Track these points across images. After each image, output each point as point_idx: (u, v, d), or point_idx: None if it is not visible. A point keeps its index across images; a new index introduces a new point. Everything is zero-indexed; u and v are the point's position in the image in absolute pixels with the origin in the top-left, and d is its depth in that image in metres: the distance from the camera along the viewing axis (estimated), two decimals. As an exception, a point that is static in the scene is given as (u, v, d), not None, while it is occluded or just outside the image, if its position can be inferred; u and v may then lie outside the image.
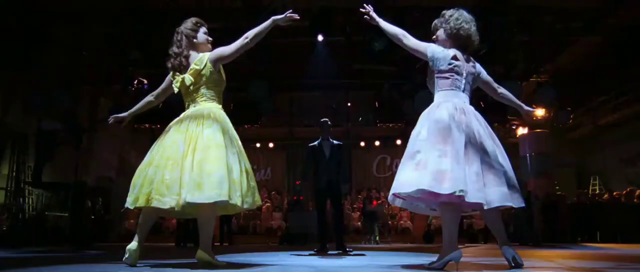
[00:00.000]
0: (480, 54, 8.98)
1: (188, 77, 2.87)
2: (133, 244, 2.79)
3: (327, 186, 5.66)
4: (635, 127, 11.85)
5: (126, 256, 2.77)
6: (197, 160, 2.66)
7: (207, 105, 2.90)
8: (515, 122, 12.77)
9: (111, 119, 3.25)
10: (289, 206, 12.69)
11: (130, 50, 8.94)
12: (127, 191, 2.89)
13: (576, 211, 10.79)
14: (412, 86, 9.93)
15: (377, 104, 12.44)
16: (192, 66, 2.90)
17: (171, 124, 2.93)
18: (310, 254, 5.03)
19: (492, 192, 2.47)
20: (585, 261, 3.89)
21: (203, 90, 2.94)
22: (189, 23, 3.04)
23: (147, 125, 13.73)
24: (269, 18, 3.11)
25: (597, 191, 12.90)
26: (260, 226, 13.30)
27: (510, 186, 2.54)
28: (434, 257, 2.82)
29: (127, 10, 8.98)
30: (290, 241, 10.15)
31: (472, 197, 2.41)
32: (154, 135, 15.52)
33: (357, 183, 15.01)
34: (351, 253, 5.20)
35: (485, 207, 2.47)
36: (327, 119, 5.92)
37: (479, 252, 5.64)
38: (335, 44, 9.77)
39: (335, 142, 5.82)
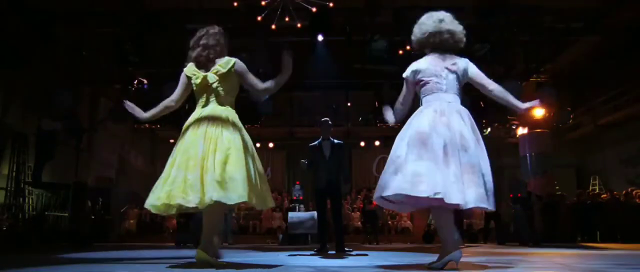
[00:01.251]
0: (480, 54, 9.00)
1: (212, 76, 2.92)
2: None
3: (327, 186, 5.65)
4: (635, 127, 11.85)
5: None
6: (218, 160, 2.71)
7: (222, 107, 2.93)
8: (515, 122, 12.77)
9: (128, 107, 3.19)
10: (289, 206, 12.69)
11: (130, 51, 8.93)
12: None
13: (576, 211, 10.78)
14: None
15: (377, 104, 12.43)
16: (217, 67, 2.95)
17: (188, 125, 2.94)
18: (310, 254, 5.03)
19: (470, 192, 2.48)
20: (585, 261, 3.89)
21: (220, 90, 2.95)
22: (222, 31, 3.10)
23: (147, 125, 13.74)
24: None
25: (597, 191, 12.89)
26: (260, 226, 13.31)
27: (487, 188, 2.55)
28: (434, 257, 2.84)
29: (127, 10, 8.99)
30: (291, 241, 10.15)
31: (451, 199, 2.43)
32: (154, 135, 15.57)
33: (357, 183, 15.02)
34: (351, 253, 5.20)
35: (463, 207, 2.47)
36: (327, 119, 5.91)
37: (479, 252, 5.64)
38: (335, 44, 9.78)
39: (335, 141, 5.81)
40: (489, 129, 12.72)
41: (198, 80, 2.94)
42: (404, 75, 2.87)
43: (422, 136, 2.56)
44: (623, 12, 9.06)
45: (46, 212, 8.50)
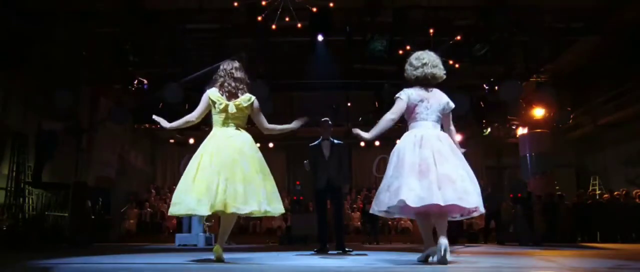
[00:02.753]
0: (480, 54, 9.00)
1: (233, 106, 3.45)
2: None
3: (327, 186, 5.65)
4: (635, 127, 11.85)
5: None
6: (260, 179, 3.33)
7: (244, 131, 3.52)
8: (515, 123, 12.77)
9: (157, 119, 3.67)
10: (289, 206, 12.69)
11: (130, 51, 8.93)
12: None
13: (576, 211, 10.78)
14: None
15: (377, 104, 12.42)
16: (239, 100, 3.48)
17: (218, 141, 3.38)
18: (310, 254, 5.03)
19: (447, 194, 2.95)
20: (585, 261, 3.89)
21: (239, 116, 3.50)
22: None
23: (147, 125, 13.73)
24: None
25: (597, 191, 12.89)
26: (260, 226, 13.30)
27: (465, 190, 3.00)
28: (433, 257, 3.11)
29: (127, 10, 8.99)
30: (291, 241, 10.16)
31: (431, 200, 2.93)
32: (154, 135, 15.57)
33: (357, 183, 15.02)
34: (351, 253, 5.20)
35: (443, 204, 2.94)
36: (327, 119, 5.90)
37: (479, 252, 5.64)
38: (335, 44, 9.77)
39: (335, 141, 5.81)
40: (489, 129, 12.71)
41: (221, 106, 3.45)
42: (398, 95, 3.34)
43: (401, 157, 3.15)
44: (623, 12, 9.05)
45: (46, 212, 8.50)
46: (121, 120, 10.73)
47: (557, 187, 12.09)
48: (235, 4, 7.33)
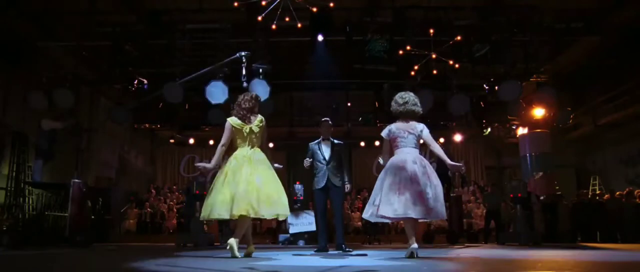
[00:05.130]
0: (480, 54, 9.00)
1: (256, 127, 4.22)
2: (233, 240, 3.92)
3: (326, 186, 5.65)
4: (635, 127, 11.85)
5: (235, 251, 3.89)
6: (272, 189, 4.05)
7: (258, 149, 4.23)
8: (515, 123, 12.76)
9: (199, 166, 4.33)
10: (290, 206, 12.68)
11: (130, 51, 8.93)
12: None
13: (576, 211, 10.77)
14: (412, 86, 9.93)
15: (377, 104, 12.42)
16: (257, 123, 4.23)
17: (238, 160, 4.11)
18: (310, 254, 5.03)
19: (417, 209, 3.88)
20: (585, 261, 3.89)
21: (258, 136, 4.25)
22: (257, 96, 4.40)
23: (147, 125, 13.73)
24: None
25: (597, 191, 12.89)
26: (260, 225, 13.29)
27: (430, 206, 3.89)
28: (434, 259, 3.39)
29: (127, 10, 8.99)
30: (290, 241, 10.15)
31: (407, 214, 3.89)
32: (153, 135, 15.56)
33: (357, 183, 15.00)
34: (351, 253, 5.20)
35: (415, 217, 3.94)
36: (327, 119, 5.90)
37: (478, 252, 5.64)
38: (335, 44, 9.77)
39: (335, 141, 5.81)
40: (489, 129, 12.71)
41: (246, 131, 4.19)
42: (382, 134, 4.28)
43: (386, 177, 4.08)
44: (623, 12, 9.06)
45: (46, 212, 8.48)
46: (121, 120, 10.72)
47: (557, 187, 12.08)
48: (236, 4, 7.32)
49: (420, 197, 3.86)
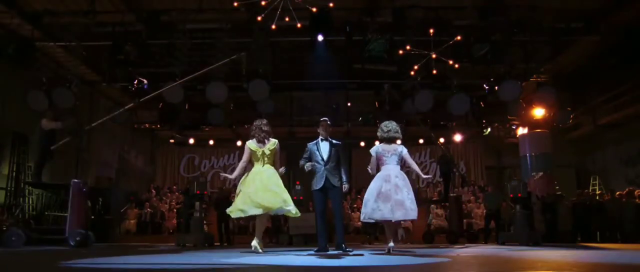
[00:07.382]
0: (480, 54, 8.99)
1: (267, 150, 5.15)
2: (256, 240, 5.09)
3: (325, 186, 5.64)
4: (635, 127, 11.85)
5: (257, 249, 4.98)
6: (281, 192, 5.02)
7: (270, 166, 5.16)
8: (515, 123, 12.77)
9: (222, 177, 5.35)
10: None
11: (130, 51, 8.93)
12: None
13: (576, 211, 10.76)
14: (412, 86, 9.93)
15: (377, 104, 12.41)
16: (269, 145, 5.18)
17: (254, 174, 5.09)
18: (310, 254, 5.03)
19: (397, 213, 4.93)
20: (585, 261, 3.89)
21: (270, 157, 5.20)
22: (267, 123, 5.32)
23: (147, 125, 13.74)
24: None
25: (597, 191, 12.89)
26: (260, 226, 13.27)
27: (407, 210, 4.95)
28: (433, 258, 3.42)
29: (127, 10, 8.98)
30: (290, 241, 10.15)
31: (393, 217, 4.94)
32: (153, 135, 15.58)
33: (357, 183, 15.00)
34: (351, 253, 5.20)
35: (393, 221, 5.04)
36: (326, 118, 5.89)
37: (478, 252, 5.64)
38: (335, 44, 9.76)
39: (334, 141, 5.80)
40: (489, 129, 12.71)
41: (260, 153, 5.14)
42: (371, 151, 5.36)
43: (376, 187, 5.09)
44: (623, 12, 9.05)
45: (46, 212, 8.48)
46: (121, 120, 10.72)
47: (557, 187, 12.08)
48: (235, 4, 7.31)
49: (401, 204, 4.95)
